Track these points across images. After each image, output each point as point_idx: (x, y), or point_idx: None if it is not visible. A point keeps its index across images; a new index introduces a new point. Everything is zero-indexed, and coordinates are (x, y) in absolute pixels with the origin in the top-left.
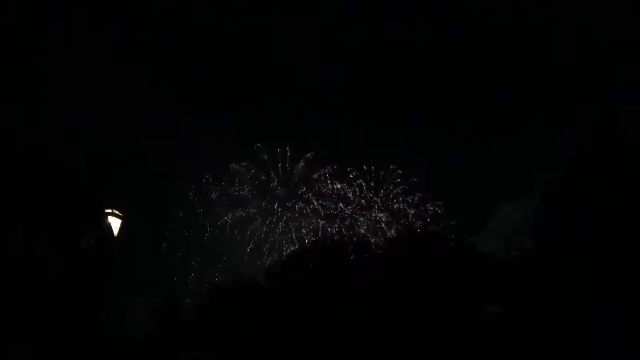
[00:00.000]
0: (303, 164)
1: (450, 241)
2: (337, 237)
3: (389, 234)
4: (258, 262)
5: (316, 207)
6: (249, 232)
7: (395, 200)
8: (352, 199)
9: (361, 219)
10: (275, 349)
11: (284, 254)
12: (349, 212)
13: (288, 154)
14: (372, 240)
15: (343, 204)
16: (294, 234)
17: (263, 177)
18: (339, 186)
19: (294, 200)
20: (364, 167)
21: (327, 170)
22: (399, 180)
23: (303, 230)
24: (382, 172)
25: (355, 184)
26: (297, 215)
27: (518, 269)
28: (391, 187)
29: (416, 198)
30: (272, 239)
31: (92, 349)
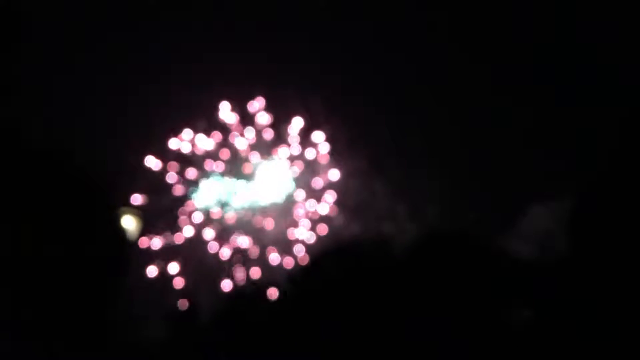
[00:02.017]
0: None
1: (478, 242)
2: (360, 240)
3: (413, 238)
4: (280, 271)
5: (340, 212)
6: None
7: (421, 204)
8: (375, 204)
9: (385, 224)
10: (293, 352)
11: (307, 259)
12: (373, 217)
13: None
14: (397, 244)
15: (366, 209)
16: (316, 240)
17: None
18: (363, 191)
19: (316, 207)
20: (388, 171)
21: (351, 174)
22: (424, 184)
23: (326, 236)
24: (407, 175)
25: (379, 188)
26: (320, 220)
27: (552, 272)
28: (417, 191)
29: (444, 201)
30: (293, 245)
31: (103, 352)
